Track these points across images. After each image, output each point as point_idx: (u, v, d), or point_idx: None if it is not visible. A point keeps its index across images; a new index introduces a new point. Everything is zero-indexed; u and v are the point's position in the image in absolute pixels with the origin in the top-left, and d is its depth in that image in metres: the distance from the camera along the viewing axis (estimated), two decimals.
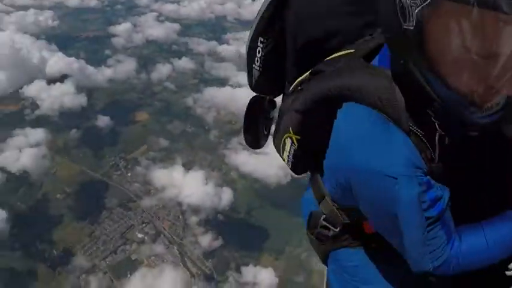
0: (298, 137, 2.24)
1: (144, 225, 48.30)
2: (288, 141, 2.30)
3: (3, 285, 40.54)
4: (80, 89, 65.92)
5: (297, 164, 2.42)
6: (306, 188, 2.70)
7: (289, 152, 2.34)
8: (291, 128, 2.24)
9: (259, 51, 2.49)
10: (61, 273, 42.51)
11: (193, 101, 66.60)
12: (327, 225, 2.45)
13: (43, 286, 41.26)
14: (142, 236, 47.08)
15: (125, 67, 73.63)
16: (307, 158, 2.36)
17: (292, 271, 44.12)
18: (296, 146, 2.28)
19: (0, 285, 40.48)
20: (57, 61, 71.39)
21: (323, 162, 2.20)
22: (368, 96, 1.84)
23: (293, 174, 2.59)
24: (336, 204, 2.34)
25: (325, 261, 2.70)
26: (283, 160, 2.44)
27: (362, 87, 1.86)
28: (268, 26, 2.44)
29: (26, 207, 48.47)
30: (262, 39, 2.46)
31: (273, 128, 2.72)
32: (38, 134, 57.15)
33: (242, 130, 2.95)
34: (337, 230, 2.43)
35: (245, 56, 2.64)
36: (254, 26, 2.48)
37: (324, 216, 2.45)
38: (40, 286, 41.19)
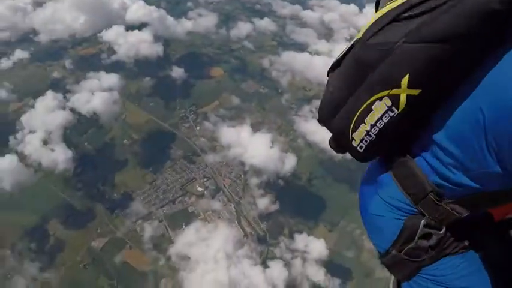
0: (416, 93, 1.61)
1: (205, 179, 48.38)
2: (381, 106, 1.71)
3: (62, 221, 41.58)
4: (157, 38, 66.63)
5: (380, 144, 1.86)
6: (366, 186, 2.24)
7: (375, 124, 1.77)
8: (407, 77, 1.58)
9: None
10: (118, 216, 43.19)
11: (270, 63, 66.04)
12: (430, 231, 1.91)
13: (100, 226, 41.99)
14: (202, 190, 47.17)
15: (205, 21, 74.01)
16: (407, 133, 1.82)
17: (343, 245, 43.57)
18: (403, 109, 1.66)
19: (59, 221, 41.51)
20: (138, 8, 72.85)
21: (447, 130, 1.64)
22: None
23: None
24: (446, 199, 1.79)
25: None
26: (352, 139, 1.92)
27: None
28: None
29: (92, 148, 49.77)
30: None
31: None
32: (111, 79, 58.38)
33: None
34: (442, 232, 1.91)
35: None
36: None
37: (424, 221, 1.89)
38: (97, 225, 41.93)
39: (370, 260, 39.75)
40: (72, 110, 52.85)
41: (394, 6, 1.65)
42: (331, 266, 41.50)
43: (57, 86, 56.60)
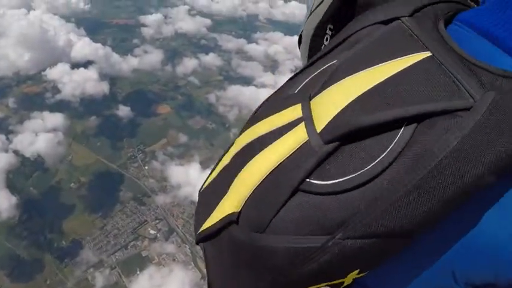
0: (363, 274, 1.08)
1: (157, 221, 47.34)
2: None
3: (8, 273, 39.71)
4: (103, 76, 65.65)
5: None
6: None
7: None
8: (357, 271, 1.07)
9: (327, 39, 1.63)
10: (68, 265, 41.63)
11: (216, 98, 66.18)
12: None
13: (49, 277, 40.32)
14: (155, 232, 46.15)
15: (151, 58, 73.53)
16: None
17: None
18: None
19: (5, 273, 39.61)
20: (83, 46, 71.69)
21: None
22: None
23: None
24: None
25: None
26: None
27: None
28: (338, 12, 1.55)
29: (38, 193, 47.89)
30: (331, 27, 1.61)
31: None
32: (56, 118, 56.87)
33: None
34: None
35: (305, 41, 1.68)
36: (319, 12, 1.60)
37: None
38: (46, 276, 40.25)
39: None
40: (16, 153, 50.88)
41: (287, 150, 1.02)
42: None
43: (0, 126, 54.72)
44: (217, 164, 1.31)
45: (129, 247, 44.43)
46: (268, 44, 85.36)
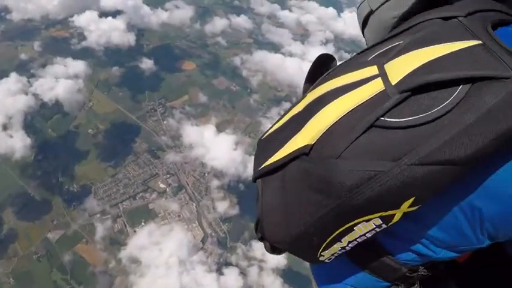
0: (415, 208, 1.22)
1: (168, 176, 47.82)
2: (367, 226, 1.29)
3: (17, 211, 40.76)
4: (131, 27, 65.58)
5: (354, 252, 1.47)
6: None
7: (354, 240, 1.36)
8: (412, 200, 1.19)
9: None
10: (76, 208, 42.55)
11: (241, 61, 65.66)
12: None
13: (56, 217, 41.38)
14: (165, 186, 46.67)
15: (181, 13, 73.00)
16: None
17: None
18: (395, 222, 1.28)
19: (13, 210, 40.72)
20: None
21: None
22: None
23: None
24: (421, 268, 1.52)
25: None
26: (320, 256, 1.47)
27: None
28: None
29: (56, 135, 48.71)
30: None
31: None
32: (78, 66, 57.14)
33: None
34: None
35: (384, 21, 1.78)
36: (407, 2, 1.69)
37: None
38: (53, 217, 41.30)
39: None
40: (35, 96, 51.60)
41: (364, 97, 1.27)
42: (289, 273, 41.25)
43: (23, 68, 55.16)
44: (283, 115, 1.52)
45: (137, 198, 45.15)
46: (301, 13, 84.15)
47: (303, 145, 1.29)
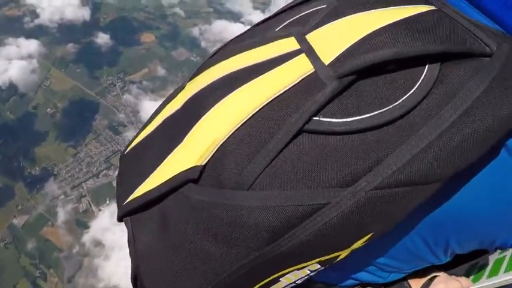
0: (364, 242, 0.84)
1: None
2: (299, 273, 0.89)
3: None
4: (85, 1, 63.80)
5: None
6: None
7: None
8: (368, 236, 0.81)
9: None
10: (39, 191, 42.38)
11: (200, 32, 64.93)
12: None
13: (20, 202, 41.22)
14: None
15: None
16: None
17: None
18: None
19: None
20: None
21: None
22: None
23: None
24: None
25: None
26: None
27: None
28: None
29: (15, 118, 47.85)
30: None
31: None
32: (31, 45, 56.00)
33: None
34: None
35: None
36: None
37: None
38: (17, 203, 41.11)
39: None
40: None
41: (280, 86, 0.79)
42: None
43: None
44: (152, 117, 1.06)
45: (100, 176, 44.95)
46: None
47: (187, 167, 0.82)
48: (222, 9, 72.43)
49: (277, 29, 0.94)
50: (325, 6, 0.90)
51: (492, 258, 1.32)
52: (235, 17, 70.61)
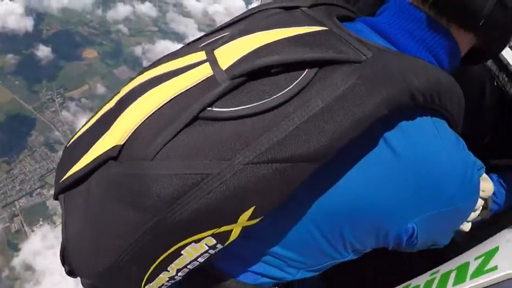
0: (255, 222, 0.97)
1: None
2: (197, 248, 0.99)
3: None
4: (29, 11, 62.58)
5: (187, 281, 1.15)
6: None
7: (184, 267, 1.05)
8: (252, 209, 0.94)
9: None
10: None
11: (143, 51, 65.03)
12: None
13: None
14: None
15: None
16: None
17: None
18: (232, 241, 1.01)
19: None
20: None
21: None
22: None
23: None
24: None
25: None
26: None
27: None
28: None
29: None
30: None
31: None
32: None
33: None
34: None
35: None
36: None
37: None
38: None
39: None
40: None
41: (185, 85, 1.00)
42: None
43: None
44: (92, 117, 1.24)
45: (34, 195, 43.73)
46: (209, 2, 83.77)
47: (110, 147, 1.00)
48: (167, 29, 72.75)
49: (199, 46, 1.15)
50: (233, 30, 1.13)
51: (423, 279, 1.38)
52: (179, 37, 70.85)
